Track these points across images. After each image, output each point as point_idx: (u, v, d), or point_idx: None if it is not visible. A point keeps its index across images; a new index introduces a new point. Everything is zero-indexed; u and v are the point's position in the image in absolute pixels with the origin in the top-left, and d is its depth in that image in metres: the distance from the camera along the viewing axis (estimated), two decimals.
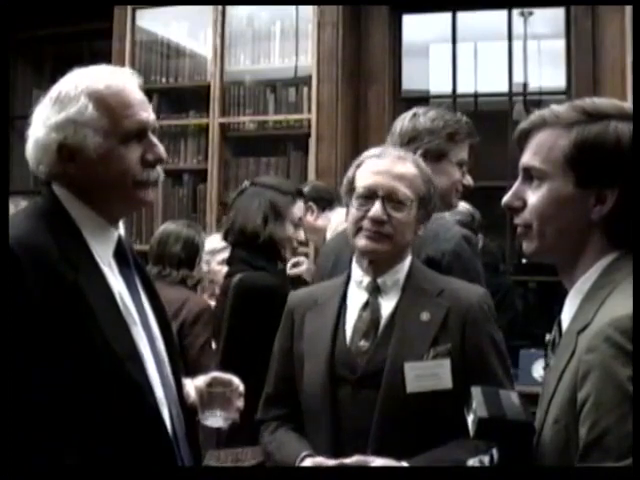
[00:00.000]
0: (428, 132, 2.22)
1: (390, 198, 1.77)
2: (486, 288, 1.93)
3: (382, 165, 1.82)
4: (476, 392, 1.30)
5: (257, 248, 2.56)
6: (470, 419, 1.29)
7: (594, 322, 1.19)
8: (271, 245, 2.57)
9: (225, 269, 3.66)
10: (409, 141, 2.21)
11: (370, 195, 1.79)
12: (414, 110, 2.29)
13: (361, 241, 1.79)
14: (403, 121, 2.26)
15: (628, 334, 1.13)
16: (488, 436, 1.28)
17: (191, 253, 3.31)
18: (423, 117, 2.25)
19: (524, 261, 5.21)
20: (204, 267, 3.76)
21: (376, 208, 1.76)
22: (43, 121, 1.51)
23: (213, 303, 3.74)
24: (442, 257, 2.01)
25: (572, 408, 1.18)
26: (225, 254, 3.76)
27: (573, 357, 1.21)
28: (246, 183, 2.77)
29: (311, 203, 3.53)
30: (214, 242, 3.88)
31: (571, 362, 1.21)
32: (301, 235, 2.68)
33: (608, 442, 1.11)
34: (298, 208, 2.66)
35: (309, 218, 3.55)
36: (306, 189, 3.56)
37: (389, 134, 2.30)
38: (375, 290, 1.82)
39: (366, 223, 1.78)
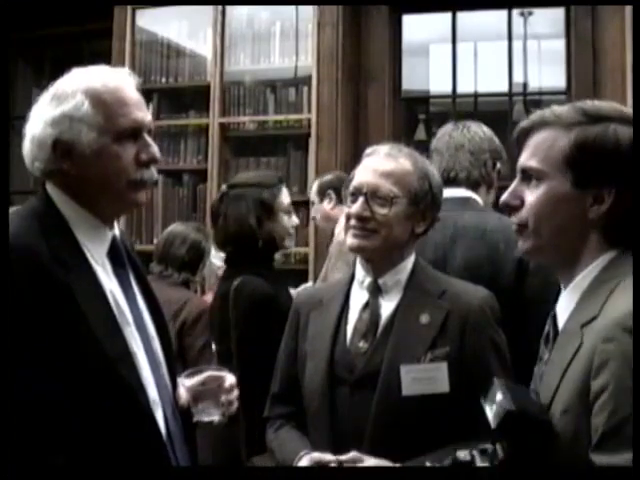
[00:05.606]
0: (501, 149, 2.47)
1: (374, 195, 1.79)
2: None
3: (371, 163, 1.84)
4: (500, 384, 1.29)
5: (255, 250, 2.52)
6: (493, 410, 1.26)
7: (603, 315, 1.20)
8: (271, 242, 2.55)
9: None
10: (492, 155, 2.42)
11: (356, 193, 1.81)
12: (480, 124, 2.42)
13: (349, 239, 1.81)
14: (480, 128, 2.39)
15: None
16: (510, 430, 1.25)
17: (195, 257, 3.31)
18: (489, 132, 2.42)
19: None
20: (217, 262, 3.75)
21: (357, 205, 1.79)
22: (40, 117, 1.52)
23: None
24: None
25: (584, 398, 1.18)
26: None
27: (580, 350, 1.21)
28: (224, 187, 2.67)
29: (330, 191, 3.58)
30: None
31: (578, 355, 1.21)
32: (295, 220, 2.65)
33: (627, 431, 1.11)
34: (285, 195, 2.62)
35: (326, 206, 3.59)
36: (329, 177, 3.58)
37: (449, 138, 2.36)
38: (376, 290, 1.82)
39: (352, 220, 1.80)
